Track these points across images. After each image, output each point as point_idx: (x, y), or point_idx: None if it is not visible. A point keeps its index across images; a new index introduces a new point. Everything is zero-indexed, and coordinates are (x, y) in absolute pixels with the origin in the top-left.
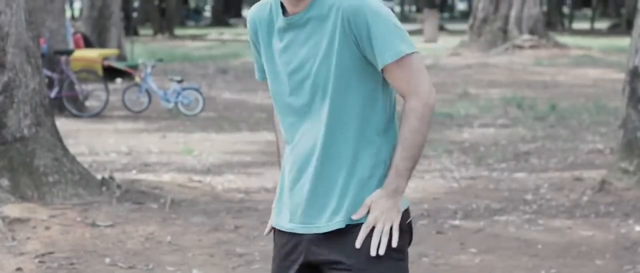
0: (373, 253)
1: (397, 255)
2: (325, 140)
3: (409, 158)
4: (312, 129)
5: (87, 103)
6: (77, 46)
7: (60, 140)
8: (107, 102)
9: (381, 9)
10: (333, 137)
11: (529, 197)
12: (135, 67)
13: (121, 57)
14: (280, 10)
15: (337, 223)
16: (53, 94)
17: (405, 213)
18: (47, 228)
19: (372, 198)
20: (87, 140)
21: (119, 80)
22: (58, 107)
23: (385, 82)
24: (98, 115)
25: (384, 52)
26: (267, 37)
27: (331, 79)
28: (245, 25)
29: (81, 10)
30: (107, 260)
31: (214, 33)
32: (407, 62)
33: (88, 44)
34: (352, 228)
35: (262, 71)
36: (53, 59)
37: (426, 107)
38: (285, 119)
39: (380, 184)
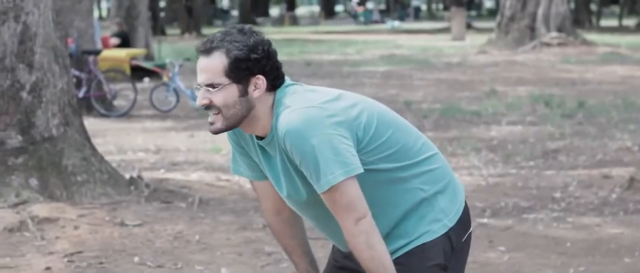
0: None
1: (436, 272)
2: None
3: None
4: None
5: (115, 102)
6: (105, 46)
7: (88, 139)
8: (135, 101)
9: (311, 133)
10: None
11: (557, 194)
12: (163, 66)
13: (149, 57)
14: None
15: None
16: (81, 94)
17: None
18: (76, 227)
19: None
20: (115, 139)
21: (146, 79)
22: (86, 106)
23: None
24: (126, 115)
25: (314, 182)
26: (252, 148)
27: (303, 193)
28: (273, 25)
29: (109, 10)
30: (136, 259)
31: None
32: (332, 195)
33: (126, 43)
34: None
35: (237, 163)
36: (81, 58)
37: (359, 233)
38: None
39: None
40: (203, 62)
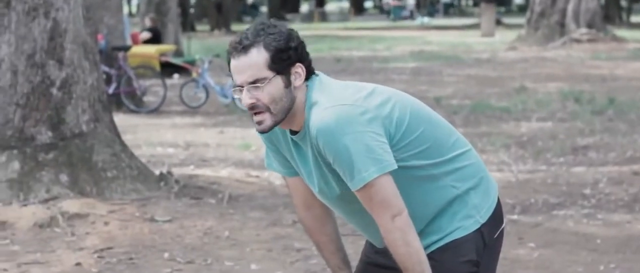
0: None
1: (468, 268)
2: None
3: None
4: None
5: (145, 98)
6: (135, 42)
7: (118, 135)
8: (164, 97)
9: (343, 132)
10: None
11: (587, 191)
12: (192, 62)
13: (178, 53)
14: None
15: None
16: (111, 90)
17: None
18: (106, 223)
19: None
20: (144, 135)
21: (176, 75)
22: (116, 102)
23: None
24: (156, 111)
25: (348, 180)
26: (285, 145)
27: (336, 189)
28: (302, 21)
29: (138, 7)
30: (166, 255)
31: None
32: (367, 192)
33: (157, 39)
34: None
35: (270, 158)
36: (111, 55)
37: (392, 235)
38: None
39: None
40: (242, 61)
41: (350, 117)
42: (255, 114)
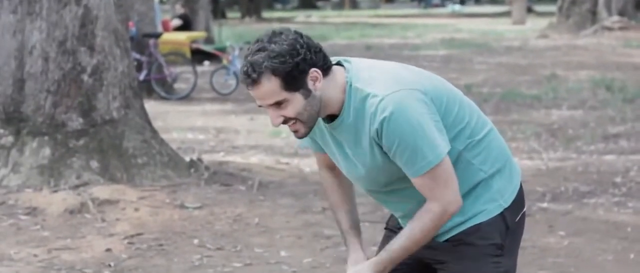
0: None
1: (492, 251)
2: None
3: (405, 249)
4: (394, 202)
5: (176, 85)
6: (166, 29)
7: (148, 122)
8: (195, 84)
9: (407, 117)
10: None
11: (618, 179)
12: (223, 49)
13: (209, 40)
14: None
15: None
16: (142, 77)
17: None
18: (136, 209)
19: (358, 270)
20: (175, 122)
21: (206, 62)
22: (146, 89)
23: None
24: (186, 98)
25: (408, 168)
26: (318, 131)
27: (383, 173)
28: (333, 8)
29: None
30: (196, 241)
31: (301, 16)
32: (430, 175)
33: (188, 26)
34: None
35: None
36: (142, 41)
37: (444, 215)
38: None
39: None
40: (256, 92)
41: (410, 104)
42: (289, 124)
